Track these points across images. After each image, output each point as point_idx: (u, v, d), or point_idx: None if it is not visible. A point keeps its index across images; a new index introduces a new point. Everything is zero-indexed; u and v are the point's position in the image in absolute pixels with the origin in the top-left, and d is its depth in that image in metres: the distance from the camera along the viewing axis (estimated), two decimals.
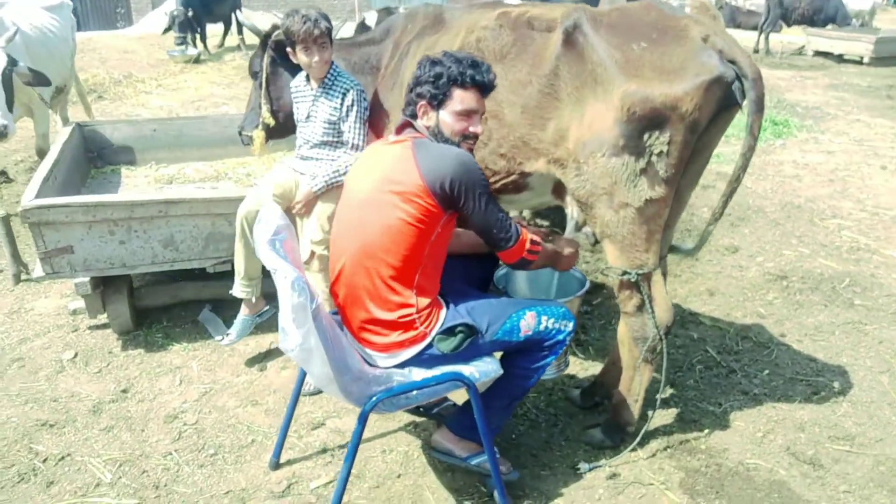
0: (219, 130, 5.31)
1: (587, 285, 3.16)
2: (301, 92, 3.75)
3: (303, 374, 2.93)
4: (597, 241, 4.46)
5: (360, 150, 3.65)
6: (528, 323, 2.64)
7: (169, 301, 4.16)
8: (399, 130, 2.62)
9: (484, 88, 2.57)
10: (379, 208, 2.48)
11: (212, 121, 5.39)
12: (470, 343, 2.56)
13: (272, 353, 3.95)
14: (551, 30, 2.85)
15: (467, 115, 2.56)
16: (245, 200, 3.62)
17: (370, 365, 2.59)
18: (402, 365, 2.56)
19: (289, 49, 3.54)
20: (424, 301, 2.53)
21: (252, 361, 3.88)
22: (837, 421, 3.43)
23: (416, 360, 2.56)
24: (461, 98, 2.54)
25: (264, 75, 3.97)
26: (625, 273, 2.85)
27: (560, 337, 2.70)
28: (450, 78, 2.52)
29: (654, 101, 2.54)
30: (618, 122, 2.63)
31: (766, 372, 3.85)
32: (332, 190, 3.63)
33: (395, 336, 2.52)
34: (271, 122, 4.03)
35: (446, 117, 2.55)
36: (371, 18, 6.17)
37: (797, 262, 5.25)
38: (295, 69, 3.93)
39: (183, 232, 3.72)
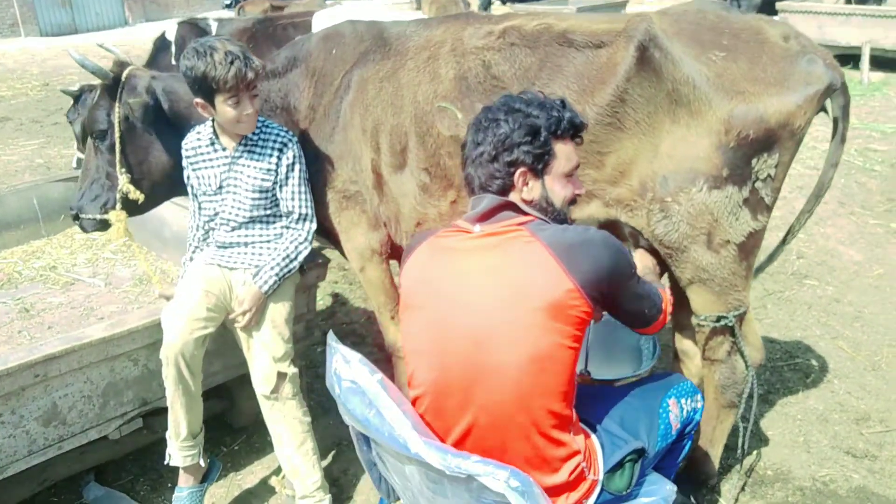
0: None
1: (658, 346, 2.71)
2: (203, 155, 2.71)
3: None
4: None
5: (310, 220, 2.75)
6: (675, 414, 2.12)
7: (35, 489, 2.80)
8: (489, 214, 1.86)
9: (580, 133, 1.95)
10: (517, 335, 1.73)
11: None
12: (640, 466, 1.97)
13: None
14: (603, 45, 2.28)
15: (572, 173, 1.93)
16: (170, 327, 2.50)
17: None
18: None
19: (198, 101, 2.50)
20: (580, 438, 1.87)
21: None
22: (844, 400, 3.45)
23: None
24: (566, 154, 1.90)
25: (117, 133, 2.82)
26: (720, 318, 2.44)
27: (697, 417, 2.22)
28: (549, 130, 1.85)
29: (768, 121, 2.15)
30: (721, 149, 2.20)
31: None
32: (282, 283, 2.68)
33: (564, 501, 1.82)
34: (139, 195, 2.90)
35: (554, 184, 1.89)
36: (171, 32, 4.90)
37: None
38: (164, 122, 2.85)
39: (71, 395, 2.48)
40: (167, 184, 3.05)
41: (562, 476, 1.81)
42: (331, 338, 1.82)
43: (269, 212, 2.74)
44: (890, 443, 3.15)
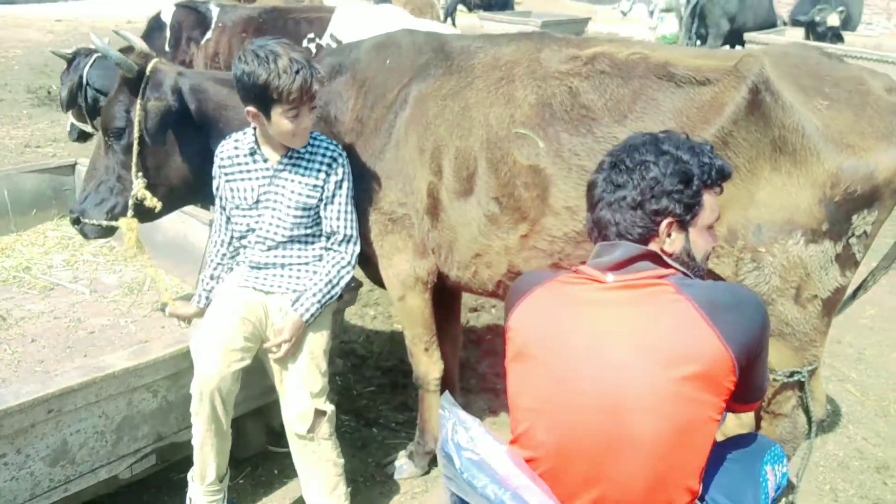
0: None
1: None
2: (241, 166, 2.44)
3: None
4: None
5: (355, 242, 2.51)
6: (772, 483, 1.99)
7: None
8: (625, 264, 1.68)
9: (725, 182, 1.80)
10: (661, 405, 1.55)
11: None
12: None
13: None
14: (708, 82, 2.15)
15: (713, 225, 1.78)
16: (204, 359, 2.23)
17: None
18: None
19: (249, 109, 2.23)
20: None
21: None
22: (862, 447, 3.44)
23: None
24: (711, 205, 1.74)
25: (136, 134, 2.53)
26: (794, 374, 2.34)
27: (784, 483, 2.11)
28: (700, 179, 1.69)
29: (877, 178, 2.05)
30: (824, 203, 2.09)
31: None
32: (321, 325, 2.45)
33: None
34: (155, 203, 2.61)
35: (698, 236, 1.73)
36: (167, 13, 4.50)
37: None
38: (188, 125, 2.58)
39: (83, 431, 2.17)
40: (185, 192, 2.77)
41: None
42: (446, 399, 1.61)
43: (309, 231, 2.49)
44: None
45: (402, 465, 3.01)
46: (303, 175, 2.42)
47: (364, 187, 2.57)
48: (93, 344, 2.95)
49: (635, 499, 1.58)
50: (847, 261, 2.20)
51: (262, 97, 2.20)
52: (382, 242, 2.64)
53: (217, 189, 2.53)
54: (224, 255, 2.63)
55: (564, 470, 1.62)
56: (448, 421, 1.56)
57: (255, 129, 2.42)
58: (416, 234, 2.58)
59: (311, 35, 3.99)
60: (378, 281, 2.83)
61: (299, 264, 2.50)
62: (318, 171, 2.42)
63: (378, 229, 2.63)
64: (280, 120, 2.24)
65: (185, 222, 3.38)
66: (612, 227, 1.69)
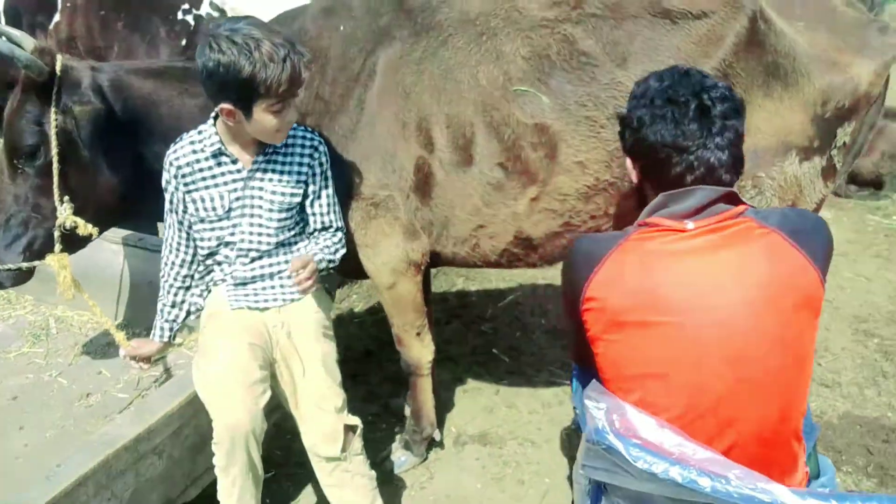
0: None
1: None
2: (205, 172, 2.09)
3: None
4: None
5: (344, 232, 2.27)
6: None
7: None
8: (703, 208, 1.63)
9: None
10: (781, 339, 1.55)
11: None
12: None
13: None
14: (704, 16, 2.13)
15: None
16: (226, 402, 1.91)
17: None
18: None
19: (225, 107, 1.89)
20: None
21: None
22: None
23: None
24: None
25: (55, 150, 2.10)
26: None
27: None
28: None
29: (860, 90, 2.18)
30: (815, 121, 2.19)
31: None
32: (327, 330, 2.21)
33: None
34: (90, 230, 2.22)
35: None
36: None
37: None
38: (114, 129, 2.19)
39: None
40: (119, 211, 2.35)
41: (800, 475, 1.70)
42: (593, 388, 1.49)
43: (293, 232, 2.20)
44: None
45: (402, 458, 2.86)
46: (283, 172, 2.11)
47: (338, 173, 2.30)
48: (23, 411, 2.44)
49: (768, 434, 1.58)
50: (830, 172, 2.33)
51: (244, 92, 1.86)
52: (367, 230, 2.40)
53: (172, 202, 2.14)
54: (186, 276, 2.25)
55: (696, 427, 1.57)
56: (599, 410, 1.44)
57: (214, 125, 2.06)
58: (402, 215, 2.38)
59: (186, 6, 3.47)
60: (348, 271, 2.59)
61: (286, 273, 2.20)
62: (301, 164, 2.13)
63: (360, 216, 2.38)
64: (264, 116, 1.92)
65: (90, 246, 2.86)
66: (708, 170, 1.61)
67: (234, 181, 2.10)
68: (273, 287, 2.19)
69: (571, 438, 2.98)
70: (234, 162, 2.08)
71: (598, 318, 1.63)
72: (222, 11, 3.49)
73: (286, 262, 2.19)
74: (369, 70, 2.29)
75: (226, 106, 1.90)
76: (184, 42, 3.49)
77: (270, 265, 2.18)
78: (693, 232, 1.59)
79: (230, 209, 2.11)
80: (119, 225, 2.55)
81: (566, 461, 2.88)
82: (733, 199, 1.64)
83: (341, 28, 2.35)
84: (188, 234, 2.19)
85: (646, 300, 1.57)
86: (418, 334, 2.64)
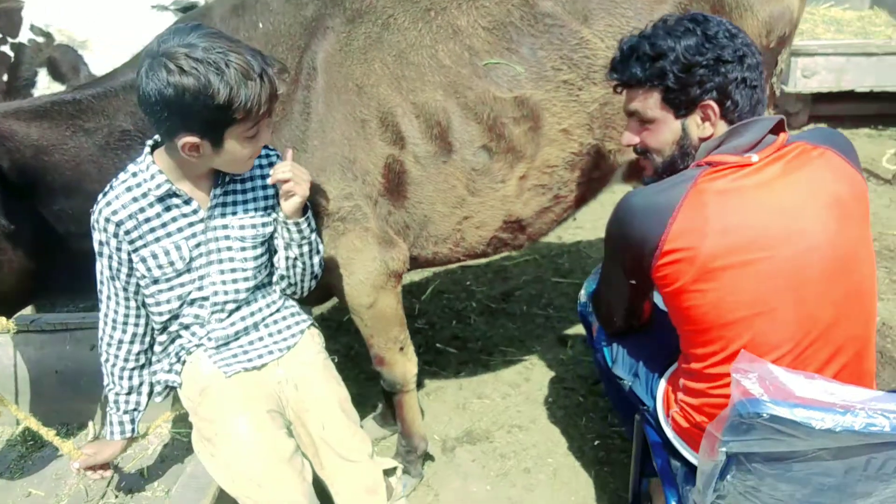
0: None
1: None
2: (152, 221, 1.71)
3: None
4: None
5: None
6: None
7: None
8: (761, 139, 1.59)
9: None
10: (862, 254, 1.60)
11: None
12: None
13: None
14: None
15: None
16: (269, 489, 1.57)
17: None
18: None
19: (189, 139, 1.53)
20: None
21: None
22: None
23: None
24: None
25: None
26: None
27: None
28: None
29: (794, 17, 2.27)
30: (762, 52, 2.25)
31: None
32: (328, 364, 1.92)
33: None
34: (8, 326, 1.84)
35: None
36: None
37: None
38: (10, 189, 1.78)
39: None
40: (27, 291, 1.85)
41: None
42: (744, 356, 1.38)
43: (269, 270, 1.87)
44: None
45: (404, 482, 2.62)
46: (248, 201, 1.77)
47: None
48: None
49: (864, 349, 1.62)
50: (772, 99, 2.43)
51: (217, 120, 1.51)
52: (337, 250, 2.10)
53: (111, 268, 1.71)
54: (140, 353, 1.83)
55: (809, 356, 1.56)
56: (750, 380, 1.34)
57: (153, 162, 1.66)
58: (372, 224, 2.11)
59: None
60: (312, 298, 2.28)
61: (274, 314, 1.87)
62: (265, 186, 1.80)
63: (327, 236, 2.08)
64: (236, 145, 1.58)
65: None
66: (759, 105, 1.62)
67: (192, 225, 1.72)
68: (262, 338, 1.85)
69: (554, 412, 2.92)
70: (188, 202, 1.70)
71: (686, 270, 1.54)
72: (48, 36, 2.89)
73: (268, 305, 1.86)
74: (307, 69, 1.98)
75: (189, 139, 1.53)
76: (5, 77, 2.85)
77: (252, 314, 1.84)
78: (759, 164, 1.57)
79: (191, 259, 1.73)
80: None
81: (563, 437, 2.80)
82: (780, 127, 1.63)
83: (260, 26, 2.00)
84: (136, 301, 1.77)
85: (739, 240, 1.52)
86: (402, 349, 2.40)
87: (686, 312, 1.59)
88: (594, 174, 2.21)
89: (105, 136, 1.86)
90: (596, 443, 2.75)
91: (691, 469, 1.79)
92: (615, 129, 2.15)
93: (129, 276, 1.72)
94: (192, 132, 1.53)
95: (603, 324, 2.02)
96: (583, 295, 2.27)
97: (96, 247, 1.70)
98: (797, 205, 1.54)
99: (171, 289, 1.74)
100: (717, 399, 1.62)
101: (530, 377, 3.16)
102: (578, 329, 3.42)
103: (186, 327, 1.80)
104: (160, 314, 1.77)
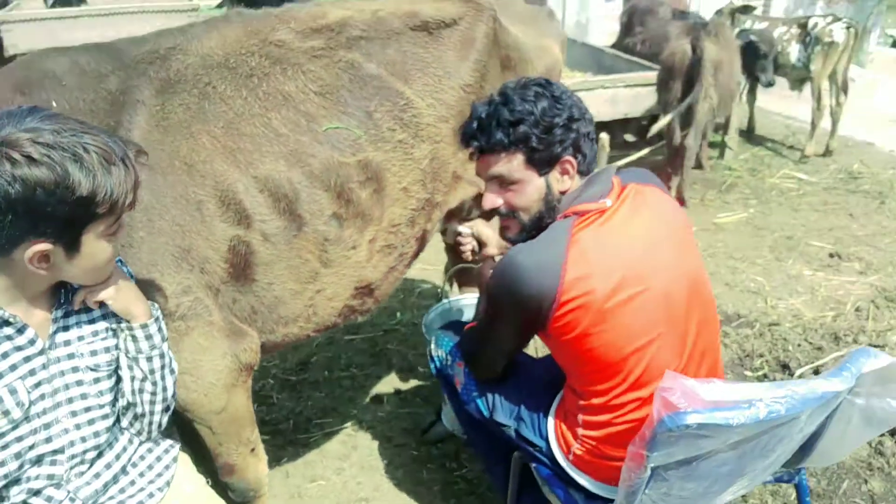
0: None
1: None
2: None
3: None
4: None
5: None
6: None
7: None
8: (611, 186, 1.78)
9: None
10: (701, 265, 1.86)
11: None
12: None
13: None
14: (455, 23, 2.22)
15: None
16: None
17: None
18: None
19: (40, 247, 1.24)
20: None
21: None
22: None
23: None
24: None
25: None
26: None
27: None
28: None
29: (560, 66, 2.59)
30: None
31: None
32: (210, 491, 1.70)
33: None
34: None
35: None
36: None
37: None
38: None
39: None
40: None
41: None
42: (670, 375, 1.47)
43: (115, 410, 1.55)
44: None
45: None
46: (95, 319, 1.45)
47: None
48: None
49: (719, 345, 1.92)
50: None
51: (75, 218, 1.22)
52: (180, 353, 1.81)
53: None
54: None
55: (691, 365, 1.78)
56: (672, 397, 1.46)
57: None
58: (216, 317, 1.87)
59: None
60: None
61: (138, 448, 1.55)
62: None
63: (169, 340, 1.79)
64: (97, 245, 1.30)
65: None
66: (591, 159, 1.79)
67: (28, 360, 1.36)
68: (134, 482, 1.53)
69: (394, 473, 2.86)
70: (21, 331, 1.34)
71: (584, 315, 1.65)
72: None
73: (130, 441, 1.54)
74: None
75: (40, 247, 1.21)
76: None
77: (118, 457, 1.51)
78: (614, 208, 1.74)
79: (30, 405, 1.36)
80: None
81: (411, 496, 2.75)
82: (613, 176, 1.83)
83: (54, 105, 1.66)
84: None
85: (620, 279, 1.67)
86: (253, 450, 2.14)
87: (588, 355, 1.69)
88: (427, 226, 2.25)
89: None
90: (443, 491, 2.76)
91: (588, 496, 1.90)
92: (440, 181, 2.22)
93: None
94: (43, 237, 1.22)
95: (481, 376, 2.04)
96: (436, 351, 2.25)
97: None
98: (652, 241, 1.74)
99: (5, 446, 1.33)
100: (622, 426, 1.75)
101: (357, 444, 3.04)
102: (387, 384, 3.41)
103: (37, 493, 1.39)
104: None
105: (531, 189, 1.75)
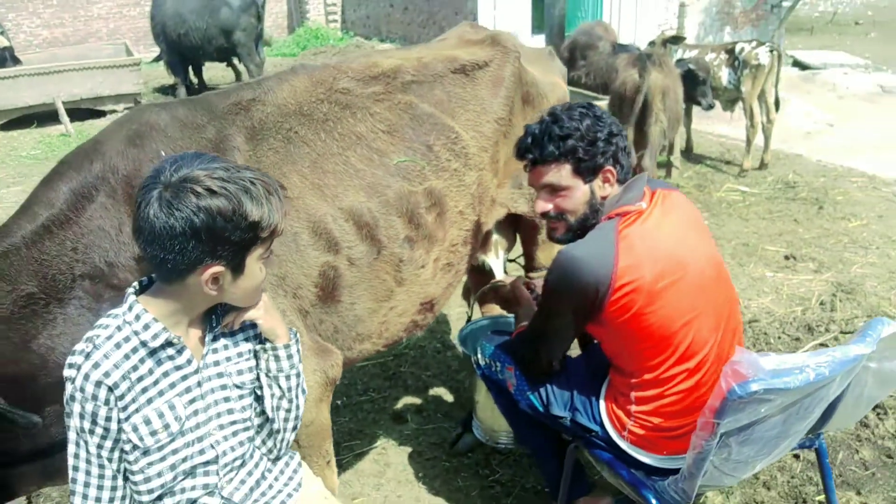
0: None
1: None
2: (147, 379, 1.49)
3: None
4: None
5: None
6: None
7: None
8: (645, 191, 2.08)
9: None
10: (719, 257, 2.15)
11: None
12: None
13: None
14: (486, 64, 2.51)
15: None
16: None
17: None
18: None
19: (215, 269, 1.41)
20: None
21: None
22: None
23: None
24: None
25: None
26: None
27: None
28: None
29: (567, 97, 2.88)
30: None
31: None
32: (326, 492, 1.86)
33: None
34: None
35: None
36: None
37: None
38: None
39: None
40: None
41: None
42: (739, 351, 1.74)
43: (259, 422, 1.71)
44: None
45: None
46: (239, 341, 1.60)
47: None
48: None
49: (741, 322, 2.19)
50: None
51: (244, 242, 1.39)
52: None
53: (100, 447, 1.40)
54: None
55: (726, 339, 2.05)
56: (743, 365, 1.73)
57: (144, 310, 1.43)
58: (304, 336, 2.04)
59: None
60: None
61: (268, 464, 1.69)
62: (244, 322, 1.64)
63: None
64: (256, 267, 1.46)
65: None
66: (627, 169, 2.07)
67: (185, 378, 1.50)
68: (271, 486, 1.66)
69: (432, 484, 3.00)
70: (180, 352, 1.49)
71: (637, 297, 1.91)
72: None
73: (261, 456, 1.69)
74: None
75: (216, 269, 1.38)
76: None
77: (256, 465, 1.64)
78: (648, 210, 2.02)
79: (185, 420, 1.51)
80: None
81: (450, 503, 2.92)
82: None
83: (163, 154, 1.83)
84: (125, 488, 1.47)
85: (664, 266, 1.95)
86: (329, 462, 2.29)
87: (644, 332, 1.95)
88: (475, 244, 2.48)
89: (9, 307, 1.50)
90: (482, 495, 2.92)
91: (649, 471, 2.14)
92: (483, 204, 2.47)
93: (112, 451, 1.42)
94: (219, 259, 1.38)
95: (535, 374, 2.25)
96: (482, 360, 2.45)
97: (73, 423, 1.37)
98: (682, 234, 2.03)
99: (162, 459, 1.46)
100: (671, 397, 2.01)
101: (389, 461, 3.18)
102: (407, 404, 3.55)
103: (193, 502, 1.52)
104: (150, 492, 1.47)
105: (578, 194, 2.02)
